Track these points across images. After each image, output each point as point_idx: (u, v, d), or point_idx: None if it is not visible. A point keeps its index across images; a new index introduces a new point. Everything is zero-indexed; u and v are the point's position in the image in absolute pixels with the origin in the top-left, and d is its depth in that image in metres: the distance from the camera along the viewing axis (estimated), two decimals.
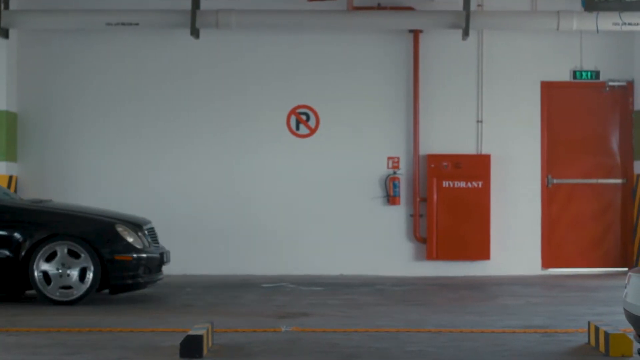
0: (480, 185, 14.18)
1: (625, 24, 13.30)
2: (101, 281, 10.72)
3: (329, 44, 14.39)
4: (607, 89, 14.42)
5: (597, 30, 13.46)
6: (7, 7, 13.61)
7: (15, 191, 13.83)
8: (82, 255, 10.66)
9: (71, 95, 14.41)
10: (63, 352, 7.70)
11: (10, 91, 14.11)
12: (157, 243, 11.50)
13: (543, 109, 14.45)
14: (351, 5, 13.97)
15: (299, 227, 14.22)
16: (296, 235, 14.22)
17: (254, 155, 14.32)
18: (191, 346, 7.41)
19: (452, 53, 14.34)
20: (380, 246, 14.25)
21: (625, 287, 7.05)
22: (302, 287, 12.53)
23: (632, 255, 14.28)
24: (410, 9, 14.09)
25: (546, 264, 14.39)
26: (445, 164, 14.19)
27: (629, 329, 7.42)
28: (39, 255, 10.63)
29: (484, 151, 14.33)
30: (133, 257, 10.86)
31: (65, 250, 10.66)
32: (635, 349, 7.47)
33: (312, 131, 14.39)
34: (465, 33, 13.47)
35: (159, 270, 11.25)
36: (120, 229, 10.93)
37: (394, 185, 14.21)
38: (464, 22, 13.38)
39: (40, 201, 11.60)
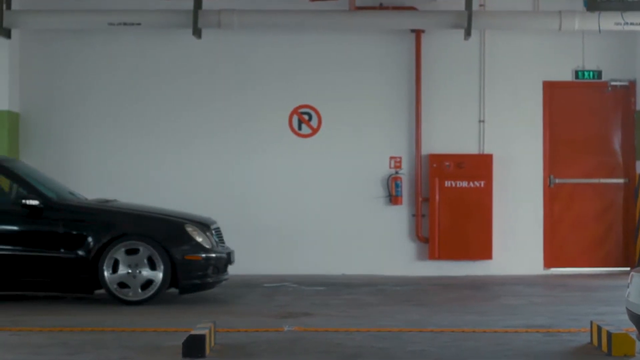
0: (482, 185, 14.18)
1: (627, 23, 13.28)
2: (170, 281, 10.73)
3: (331, 43, 14.39)
4: (610, 88, 14.41)
5: (599, 30, 13.44)
6: (9, 7, 13.61)
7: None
8: (152, 255, 10.67)
9: (73, 95, 14.41)
10: (65, 352, 7.71)
11: (13, 91, 14.12)
12: (223, 243, 11.51)
13: (545, 109, 14.44)
14: (353, 5, 13.96)
15: (301, 227, 14.22)
16: (298, 235, 14.22)
17: (256, 155, 14.32)
18: (194, 346, 7.42)
19: (454, 53, 14.34)
20: (382, 246, 14.25)
21: (628, 287, 7.05)
22: (304, 287, 12.53)
23: (634, 254, 14.27)
24: (412, 9, 14.08)
25: (548, 263, 14.38)
26: (447, 163, 14.18)
27: (632, 329, 7.42)
28: (109, 255, 10.64)
29: (486, 151, 14.33)
30: (202, 257, 10.90)
31: (137, 250, 10.66)
32: (637, 349, 7.48)
33: (315, 131, 14.39)
34: (468, 33, 13.46)
35: (225, 270, 11.25)
36: (189, 229, 10.96)
37: (396, 185, 14.21)
38: (466, 22, 13.38)
39: (107, 201, 11.61)
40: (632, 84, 14.42)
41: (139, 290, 10.67)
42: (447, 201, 14.16)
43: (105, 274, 10.63)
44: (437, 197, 14.17)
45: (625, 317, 7.19)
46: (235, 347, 7.94)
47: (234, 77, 14.39)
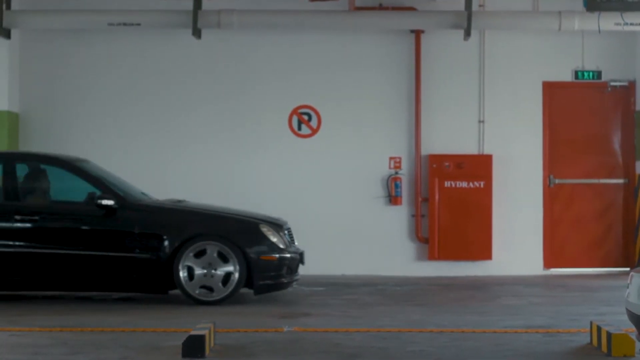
0: (482, 186, 14.17)
1: (627, 24, 13.29)
2: (245, 281, 10.72)
3: (331, 44, 14.39)
4: (609, 89, 14.41)
5: (599, 30, 13.44)
6: (9, 7, 13.61)
7: None
8: (228, 255, 10.66)
9: (73, 96, 14.41)
10: (65, 352, 7.71)
11: (12, 91, 14.12)
12: (294, 243, 11.48)
13: (545, 109, 14.44)
14: (353, 5, 13.97)
15: (301, 227, 14.17)
16: (298, 235, 14.18)
17: (256, 155, 14.32)
18: (193, 346, 7.42)
19: (454, 53, 14.34)
20: (382, 246, 14.25)
21: (628, 287, 7.05)
22: (304, 287, 12.52)
23: (634, 255, 14.27)
24: (412, 9, 14.09)
25: (548, 264, 14.38)
26: (447, 164, 14.19)
27: (631, 329, 7.42)
28: (184, 255, 10.62)
29: (486, 151, 14.33)
30: (277, 257, 10.87)
31: (212, 251, 10.66)
32: (637, 349, 7.47)
33: (314, 131, 14.40)
34: (467, 33, 13.46)
35: (297, 270, 11.21)
36: (264, 229, 10.94)
37: (396, 185, 14.21)
38: (466, 22, 13.38)
39: (179, 201, 11.59)
40: (632, 84, 14.42)
41: (220, 285, 10.62)
42: (447, 201, 14.16)
43: (181, 274, 10.60)
44: (436, 197, 14.17)
45: (625, 317, 7.18)
46: (235, 348, 7.94)
47: (234, 78, 14.40)
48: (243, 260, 10.65)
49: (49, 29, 14.17)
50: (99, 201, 10.80)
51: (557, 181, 14.46)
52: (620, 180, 14.48)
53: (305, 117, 14.39)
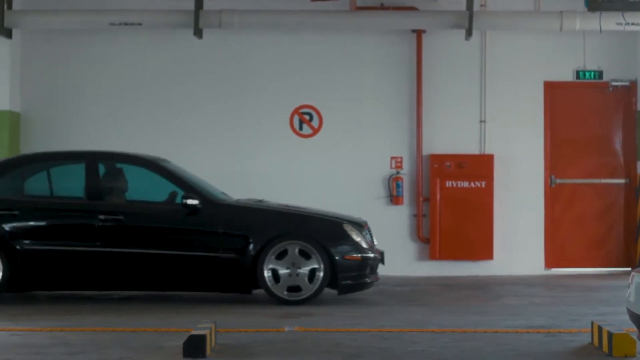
0: (483, 185, 14.17)
1: (628, 23, 13.28)
2: (329, 281, 10.69)
3: (332, 44, 14.39)
4: (611, 89, 14.40)
5: (601, 30, 13.44)
6: (10, 7, 13.62)
7: None
8: (312, 255, 10.64)
9: (74, 95, 14.42)
10: (66, 352, 7.71)
11: (14, 91, 14.13)
12: (375, 242, 11.44)
13: (546, 109, 14.44)
14: (354, 5, 13.98)
15: None
16: None
17: (257, 155, 14.32)
18: (194, 346, 7.41)
19: (455, 53, 14.34)
20: (383, 246, 14.12)
21: (629, 287, 7.04)
22: None
23: (635, 255, 14.27)
24: (413, 9, 14.09)
25: (549, 263, 14.38)
26: (448, 164, 14.19)
27: (632, 329, 7.42)
28: (269, 254, 10.61)
29: (487, 151, 14.33)
30: (361, 257, 10.84)
31: (296, 250, 10.65)
32: (638, 349, 7.47)
33: (315, 131, 14.40)
34: (468, 33, 13.46)
35: (376, 270, 11.16)
36: (348, 228, 10.91)
37: (397, 185, 14.21)
38: (467, 22, 13.38)
39: (259, 200, 11.57)
40: (633, 84, 14.42)
41: (307, 281, 10.62)
42: (448, 201, 14.16)
43: (266, 274, 10.60)
44: (438, 197, 14.17)
45: (626, 317, 7.18)
46: (236, 347, 7.94)
47: (235, 77, 14.41)
48: (327, 260, 10.62)
49: (50, 28, 14.17)
50: (184, 201, 10.79)
51: (558, 181, 14.46)
52: (622, 180, 14.47)
53: (307, 117, 14.39)
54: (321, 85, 14.40)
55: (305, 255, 10.67)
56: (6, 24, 13.58)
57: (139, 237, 10.80)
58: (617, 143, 14.49)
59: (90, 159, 11.17)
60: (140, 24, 13.60)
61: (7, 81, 13.99)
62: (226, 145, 14.32)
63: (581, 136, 14.48)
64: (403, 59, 14.38)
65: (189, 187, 11.01)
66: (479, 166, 14.21)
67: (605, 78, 14.40)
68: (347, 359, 7.48)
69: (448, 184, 14.18)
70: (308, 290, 10.65)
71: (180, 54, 14.40)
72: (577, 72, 14.39)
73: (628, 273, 7.65)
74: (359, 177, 14.27)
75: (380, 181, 14.33)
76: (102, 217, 10.75)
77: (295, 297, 10.66)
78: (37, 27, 14.08)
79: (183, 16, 13.57)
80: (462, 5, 13.45)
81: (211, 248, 10.73)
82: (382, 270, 13.93)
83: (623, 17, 13.25)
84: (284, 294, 10.66)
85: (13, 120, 14.09)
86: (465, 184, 14.17)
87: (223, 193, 11.49)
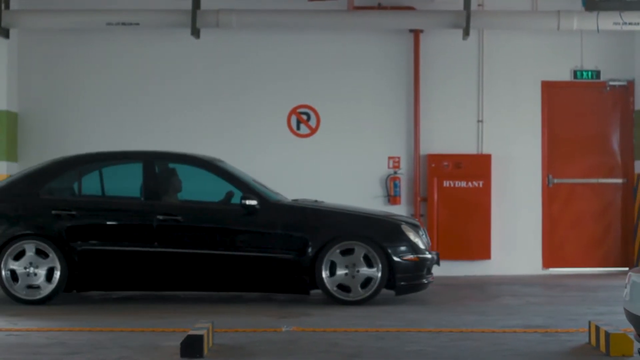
0: (480, 185, 14.18)
1: (625, 23, 13.29)
2: (387, 281, 10.66)
3: (329, 43, 14.39)
4: (608, 88, 14.41)
5: (598, 30, 13.45)
6: (7, 6, 13.62)
7: None
8: (371, 257, 10.60)
9: (72, 95, 14.41)
10: (64, 352, 7.71)
11: (11, 91, 14.12)
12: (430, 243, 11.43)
13: (544, 109, 14.44)
14: (352, 5, 13.98)
15: None
16: None
17: (255, 154, 14.31)
18: (192, 346, 7.41)
19: (453, 53, 14.34)
20: None
21: (626, 287, 7.04)
22: None
23: (633, 254, 14.28)
24: (410, 8, 14.09)
25: (547, 263, 14.39)
26: (445, 163, 14.19)
27: (630, 329, 7.42)
28: (327, 256, 10.56)
29: (485, 151, 14.33)
30: (419, 257, 10.80)
31: (357, 252, 10.59)
32: (635, 349, 7.47)
33: (313, 131, 14.40)
34: (466, 33, 13.47)
35: (431, 271, 11.11)
36: (406, 229, 10.86)
37: (395, 185, 14.21)
38: (465, 22, 13.39)
39: (315, 201, 11.52)
40: (631, 83, 14.42)
41: (359, 289, 10.59)
42: (446, 201, 14.16)
43: (324, 274, 10.56)
44: (435, 197, 14.17)
45: (624, 317, 7.18)
46: (233, 347, 7.93)
47: (232, 77, 14.40)
48: (385, 260, 10.58)
49: (47, 28, 14.16)
50: (243, 201, 10.76)
51: (555, 181, 14.46)
52: (619, 180, 14.48)
53: (304, 117, 14.39)
54: (319, 85, 14.40)
55: (365, 257, 10.60)
56: (3, 23, 13.57)
57: (198, 237, 10.77)
58: (615, 143, 14.50)
59: (148, 159, 11.14)
60: (137, 24, 13.59)
61: (5, 81, 13.98)
62: (224, 145, 14.30)
63: (579, 136, 14.49)
64: (400, 59, 14.38)
65: (248, 187, 10.99)
66: (477, 166, 14.22)
67: (603, 78, 14.40)
68: (345, 359, 7.48)
69: (445, 183, 14.18)
70: (368, 289, 10.60)
71: (178, 54, 14.39)
72: (575, 72, 14.40)
73: (625, 273, 7.65)
74: (357, 177, 14.27)
75: (378, 181, 14.33)
76: (160, 217, 10.73)
77: (351, 297, 10.61)
78: (34, 27, 14.07)
79: (180, 16, 13.57)
80: (460, 5, 13.46)
81: (269, 249, 10.70)
82: None
83: (620, 16, 13.26)
84: (345, 295, 10.62)
85: (11, 120, 14.08)
86: (463, 184, 14.17)
87: (277, 193, 11.45)
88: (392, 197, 14.21)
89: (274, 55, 14.41)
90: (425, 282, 10.92)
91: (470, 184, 14.17)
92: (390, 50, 14.41)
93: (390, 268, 10.59)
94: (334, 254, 10.60)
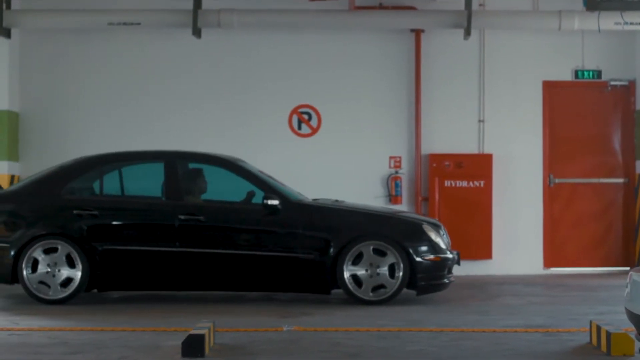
0: (482, 185, 14.18)
1: (627, 23, 13.30)
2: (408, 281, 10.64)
3: (331, 43, 14.40)
4: (609, 88, 14.41)
5: (599, 30, 13.45)
6: (9, 6, 13.63)
7: None
8: (391, 255, 10.57)
9: (73, 95, 14.42)
10: (65, 352, 7.71)
11: (12, 91, 14.13)
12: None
13: (545, 109, 14.45)
14: (353, 4, 13.98)
15: None
16: None
17: (256, 154, 14.27)
18: (193, 345, 7.42)
19: (454, 52, 14.34)
20: None
21: (627, 286, 7.05)
22: None
23: (634, 254, 14.28)
24: (412, 8, 14.09)
25: (548, 263, 14.39)
26: (447, 163, 14.19)
27: (631, 329, 7.42)
28: (348, 255, 10.55)
29: (486, 151, 14.34)
30: (440, 257, 10.77)
31: (373, 251, 10.57)
32: (637, 348, 7.47)
33: (314, 130, 14.41)
34: (467, 33, 13.47)
35: (452, 271, 11.09)
36: (427, 229, 10.84)
37: (396, 185, 14.22)
38: (466, 22, 13.39)
39: (336, 201, 11.50)
40: (632, 83, 14.42)
41: (380, 288, 10.56)
42: (447, 201, 14.17)
43: (345, 274, 10.53)
44: (436, 196, 14.17)
45: (625, 316, 7.18)
46: (234, 347, 7.94)
47: (234, 77, 14.41)
48: (407, 260, 10.55)
49: (49, 28, 14.17)
50: (265, 201, 10.73)
51: (557, 180, 14.46)
52: (620, 180, 14.48)
53: (306, 117, 14.40)
54: (320, 84, 14.40)
55: (383, 254, 10.58)
56: (5, 23, 13.58)
57: (220, 237, 10.76)
58: (616, 142, 14.50)
59: (170, 159, 11.11)
60: (139, 24, 13.61)
61: (6, 81, 13.99)
62: (225, 144, 14.27)
63: (580, 136, 14.49)
64: (402, 59, 14.38)
65: (269, 187, 10.96)
66: (478, 166, 14.22)
67: (604, 77, 14.41)
68: (346, 359, 7.48)
69: (447, 183, 14.18)
70: (388, 289, 10.57)
71: (179, 54, 14.40)
72: (576, 72, 14.40)
73: (626, 272, 7.65)
74: (358, 177, 14.27)
75: (379, 181, 14.33)
76: (182, 217, 10.71)
77: (375, 297, 10.59)
78: (36, 26, 14.08)
79: (182, 16, 13.59)
80: (461, 5, 13.46)
81: (291, 248, 10.66)
82: None
83: (622, 16, 13.26)
84: (368, 296, 10.60)
85: (12, 120, 14.09)
86: (464, 184, 14.17)
87: (299, 193, 11.42)
88: (393, 197, 14.21)
89: (275, 55, 14.42)
90: (447, 282, 10.89)
91: (471, 183, 14.17)
92: (392, 50, 14.41)
93: (411, 268, 10.58)
94: (356, 253, 10.57)
